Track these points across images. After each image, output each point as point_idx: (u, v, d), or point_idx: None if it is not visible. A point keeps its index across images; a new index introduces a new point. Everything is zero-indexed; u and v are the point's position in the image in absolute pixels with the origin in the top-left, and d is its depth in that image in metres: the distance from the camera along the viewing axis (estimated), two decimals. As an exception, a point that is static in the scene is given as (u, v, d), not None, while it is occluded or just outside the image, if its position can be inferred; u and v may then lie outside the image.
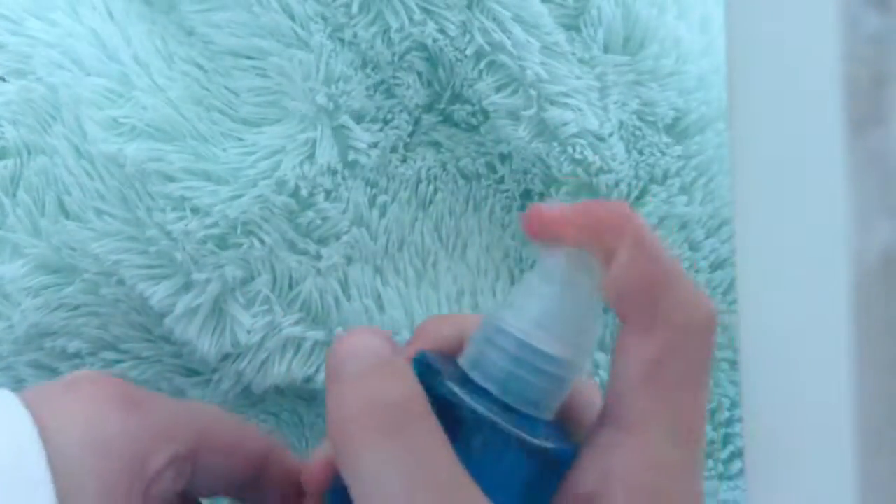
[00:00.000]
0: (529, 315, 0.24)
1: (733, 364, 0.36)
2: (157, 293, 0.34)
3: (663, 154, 0.35)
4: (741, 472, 0.38)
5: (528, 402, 0.24)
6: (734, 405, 0.37)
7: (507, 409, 0.24)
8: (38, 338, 0.35)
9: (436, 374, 0.24)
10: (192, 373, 0.36)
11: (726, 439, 0.37)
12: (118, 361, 0.36)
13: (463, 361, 0.25)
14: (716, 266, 0.36)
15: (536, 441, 0.24)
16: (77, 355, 0.35)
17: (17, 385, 0.35)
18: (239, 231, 0.35)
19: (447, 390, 0.24)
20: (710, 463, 0.38)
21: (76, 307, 0.35)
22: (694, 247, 0.36)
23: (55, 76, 0.35)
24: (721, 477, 0.38)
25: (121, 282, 0.35)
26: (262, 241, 0.35)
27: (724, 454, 0.38)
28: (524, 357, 0.24)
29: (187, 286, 0.35)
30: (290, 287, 0.35)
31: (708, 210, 0.36)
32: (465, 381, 0.24)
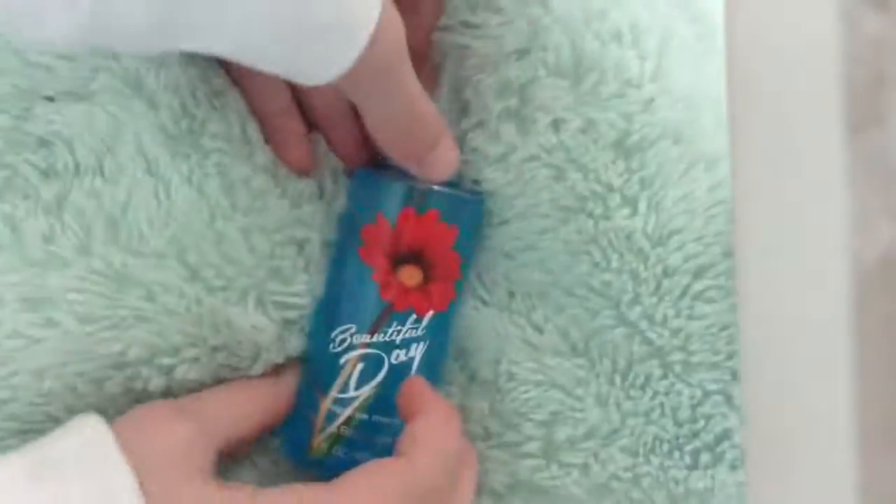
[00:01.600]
0: None
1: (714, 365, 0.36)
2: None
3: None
4: (713, 462, 0.38)
5: None
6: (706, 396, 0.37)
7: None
8: (92, 345, 0.33)
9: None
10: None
11: (694, 434, 0.38)
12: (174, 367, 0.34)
13: None
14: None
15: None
16: (129, 364, 0.34)
17: (71, 393, 0.33)
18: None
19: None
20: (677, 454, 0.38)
21: (133, 314, 0.33)
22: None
23: (115, 103, 0.33)
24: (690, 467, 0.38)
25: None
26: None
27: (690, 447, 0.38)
28: None
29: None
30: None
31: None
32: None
